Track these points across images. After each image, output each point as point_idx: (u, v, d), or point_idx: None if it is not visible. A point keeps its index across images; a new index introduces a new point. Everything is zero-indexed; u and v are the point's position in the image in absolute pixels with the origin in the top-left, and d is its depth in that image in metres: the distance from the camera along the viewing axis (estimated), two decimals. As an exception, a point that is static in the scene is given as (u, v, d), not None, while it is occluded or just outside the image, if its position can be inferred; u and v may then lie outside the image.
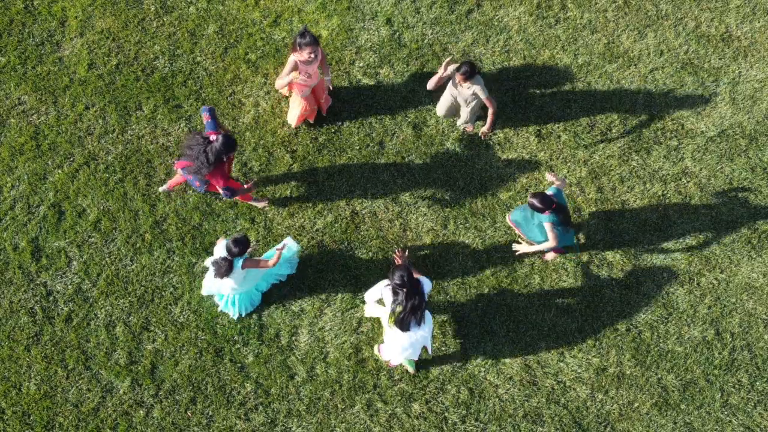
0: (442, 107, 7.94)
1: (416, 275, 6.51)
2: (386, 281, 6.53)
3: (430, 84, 7.54)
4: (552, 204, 6.73)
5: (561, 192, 7.04)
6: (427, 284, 6.49)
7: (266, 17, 8.54)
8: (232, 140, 6.77)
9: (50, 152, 7.99)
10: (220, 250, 6.76)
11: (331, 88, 7.84)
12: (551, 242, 6.92)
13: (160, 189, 7.69)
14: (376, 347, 7.24)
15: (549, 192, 6.97)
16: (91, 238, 7.68)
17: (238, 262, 6.64)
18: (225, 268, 6.55)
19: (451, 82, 7.57)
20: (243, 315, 7.37)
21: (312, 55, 7.10)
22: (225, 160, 6.84)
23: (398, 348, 6.58)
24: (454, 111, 7.92)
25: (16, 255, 7.63)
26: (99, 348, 7.36)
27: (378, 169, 7.95)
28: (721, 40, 8.46)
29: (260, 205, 7.75)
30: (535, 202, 6.73)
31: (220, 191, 7.01)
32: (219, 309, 7.36)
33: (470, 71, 7.17)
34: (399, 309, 6.29)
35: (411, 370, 7.18)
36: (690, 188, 7.91)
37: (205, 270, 7.58)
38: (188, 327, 7.42)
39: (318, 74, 7.45)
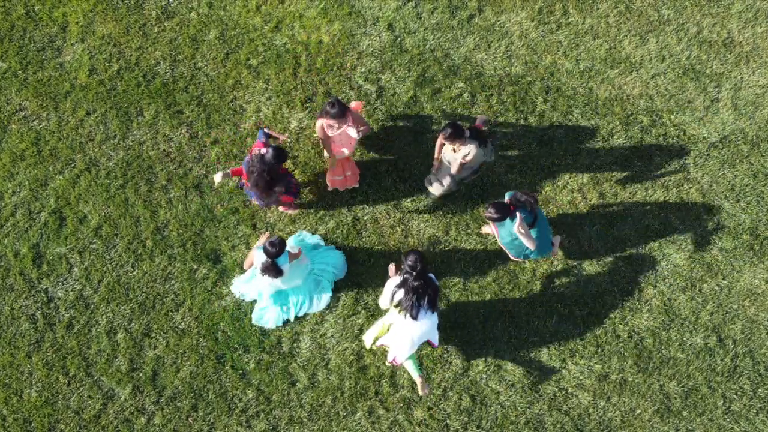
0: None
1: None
2: (393, 281, 6.55)
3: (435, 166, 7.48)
4: (509, 208, 6.69)
5: (515, 192, 6.88)
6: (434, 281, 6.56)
7: (267, 22, 8.53)
8: (282, 151, 6.80)
9: (51, 158, 7.98)
10: (259, 257, 6.80)
11: (356, 137, 7.15)
12: (529, 243, 6.83)
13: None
14: (368, 338, 7.13)
15: (506, 198, 6.90)
16: (92, 244, 7.68)
17: (284, 260, 6.74)
18: (274, 271, 6.69)
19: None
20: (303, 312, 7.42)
21: (333, 127, 7.05)
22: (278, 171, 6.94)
23: (407, 340, 6.54)
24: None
25: (18, 261, 7.62)
26: (100, 355, 7.35)
27: (379, 175, 7.94)
28: (723, 45, 8.45)
29: (292, 211, 7.83)
30: (493, 213, 6.66)
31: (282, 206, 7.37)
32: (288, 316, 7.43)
33: (454, 132, 6.85)
34: (410, 295, 6.37)
35: (416, 375, 6.89)
36: (692, 194, 7.90)
37: (205, 276, 7.58)
38: (189, 334, 7.41)
39: (351, 143, 7.22)
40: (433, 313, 6.51)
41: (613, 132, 8.12)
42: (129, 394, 7.24)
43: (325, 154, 7.48)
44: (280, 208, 7.73)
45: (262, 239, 7.07)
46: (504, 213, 6.68)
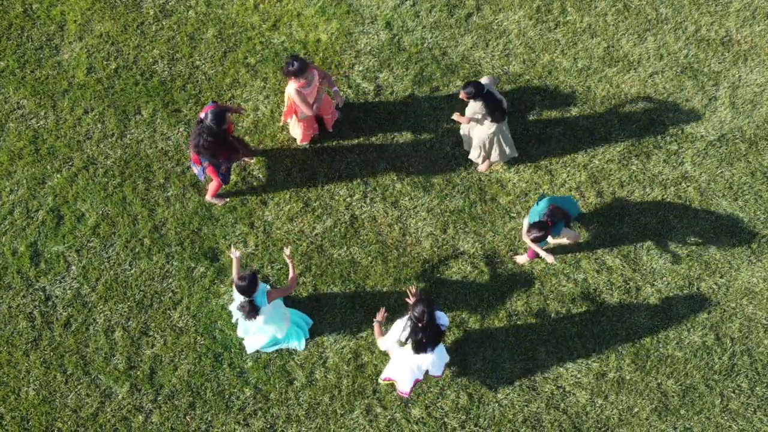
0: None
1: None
2: (397, 328, 6.30)
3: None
4: (547, 226, 6.66)
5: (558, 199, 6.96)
6: (443, 319, 6.29)
7: (265, 21, 8.53)
8: (219, 112, 6.73)
9: (49, 156, 7.98)
10: (236, 295, 6.51)
11: (340, 102, 7.48)
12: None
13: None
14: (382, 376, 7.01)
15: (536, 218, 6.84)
16: (90, 242, 7.68)
17: (261, 299, 6.44)
18: (249, 309, 6.39)
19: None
20: (301, 343, 7.32)
21: (305, 81, 7.04)
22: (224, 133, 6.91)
23: (407, 370, 6.47)
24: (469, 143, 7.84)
25: (15, 260, 7.62)
26: (98, 353, 7.35)
27: (377, 174, 7.94)
28: (721, 44, 8.45)
29: (220, 203, 7.78)
30: (536, 233, 6.63)
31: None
32: (281, 346, 7.32)
33: (475, 92, 6.96)
34: (414, 338, 6.14)
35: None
36: (690, 193, 7.90)
37: (203, 274, 7.58)
38: (187, 332, 7.41)
39: (319, 93, 7.31)
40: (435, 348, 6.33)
41: (611, 130, 8.12)
42: (127, 393, 7.23)
43: (292, 119, 7.66)
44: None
45: (234, 256, 6.69)
46: (545, 230, 6.64)
